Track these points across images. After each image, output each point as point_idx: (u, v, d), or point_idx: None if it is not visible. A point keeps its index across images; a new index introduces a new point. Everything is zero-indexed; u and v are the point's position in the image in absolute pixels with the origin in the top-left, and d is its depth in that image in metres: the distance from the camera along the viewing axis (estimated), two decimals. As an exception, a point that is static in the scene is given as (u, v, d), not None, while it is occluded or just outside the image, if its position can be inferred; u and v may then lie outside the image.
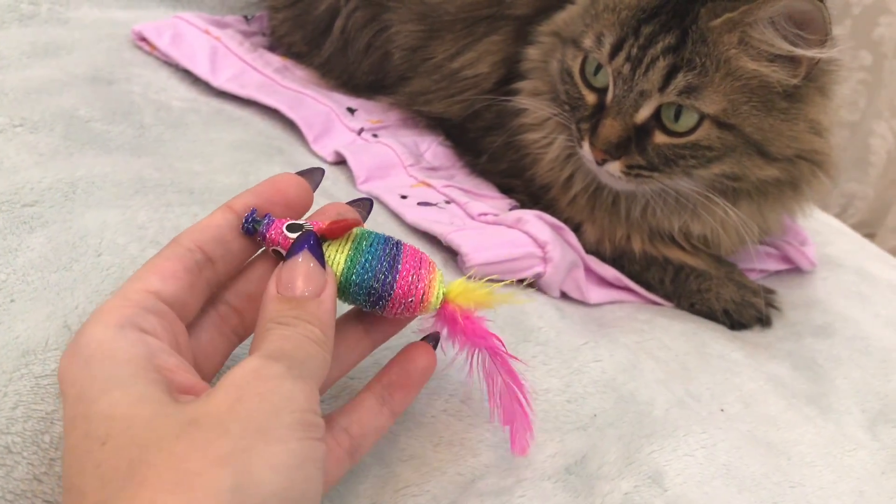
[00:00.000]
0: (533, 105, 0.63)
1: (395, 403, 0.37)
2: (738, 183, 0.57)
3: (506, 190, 0.68)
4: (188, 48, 0.74)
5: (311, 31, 0.79)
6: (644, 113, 0.55)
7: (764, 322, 0.64)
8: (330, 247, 0.35)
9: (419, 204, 0.62)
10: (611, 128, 0.55)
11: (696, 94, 0.52)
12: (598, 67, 0.56)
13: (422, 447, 0.41)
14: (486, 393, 0.39)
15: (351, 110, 0.75)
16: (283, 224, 0.35)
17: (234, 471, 0.25)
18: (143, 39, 0.74)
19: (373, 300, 0.35)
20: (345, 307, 0.37)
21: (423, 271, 0.36)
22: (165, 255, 0.33)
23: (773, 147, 0.55)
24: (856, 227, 1.08)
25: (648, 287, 0.64)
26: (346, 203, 0.39)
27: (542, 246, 0.57)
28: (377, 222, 0.58)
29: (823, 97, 0.56)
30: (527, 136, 0.64)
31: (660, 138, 0.55)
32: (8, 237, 0.44)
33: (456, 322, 0.37)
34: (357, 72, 0.77)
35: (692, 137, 0.54)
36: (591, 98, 0.58)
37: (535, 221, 0.59)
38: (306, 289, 0.32)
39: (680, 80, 0.52)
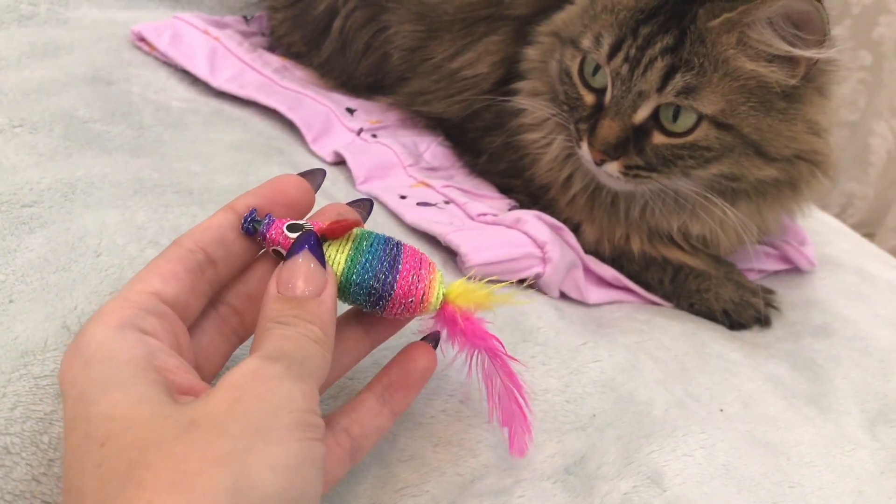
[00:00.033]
0: (532, 105, 0.63)
1: (395, 403, 0.37)
2: (736, 183, 0.57)
3: (505, 190, 0.68)
4: (187, 48, 0.74)
5: (311, 32, 0.79)
6: (642, 113, 0.55)
7: (763, 322, 0.64)
8: (330, 247, 0.35)
9: (418, 204, 0.62)
10: (609, 128, 0.55)
11: (694, 94, 0.52)
12: (597, 68, 0.56)
13: (421, 447, 0.41)
14: (485, 394, 0.39)
15: (350, 110, 0.75)
16: (283, 224, 0.35)
17: (233, 471, 0.25)
18: (143, 40, 0.74)
19: (373, 300, 0.35)
20: (344, 308, 0.37)
21: (423, 272, 0.36)
22: (167, 257, 0.33)
23: (771, 147, 0.55)
24: (855, 226, 1.08)
25: (648, 287, 0.64)
26: (347, 203, 0.39)
27: (541, 246, 0.57)
28: (376, 222, 0.58)
29: (822, 97, 0.56)
30: (526, 137, 0.64)
31: (658, 139, 0.55)
32: (7, 238, 0.44)
33: (455, 323, 0.37)
34: (356, 72, 0.77)
35: (690, 138, 0.54)
36: (589, 98, 0.58)
37: (534, 221, 0.59)
38: (307, 288, 0.32)
39: (678, 81, 0.52)
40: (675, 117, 0.54)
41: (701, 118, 0.54)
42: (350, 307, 0.38)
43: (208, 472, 0.25)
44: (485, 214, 0.62)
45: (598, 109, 0.57)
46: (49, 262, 0.43)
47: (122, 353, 0.29)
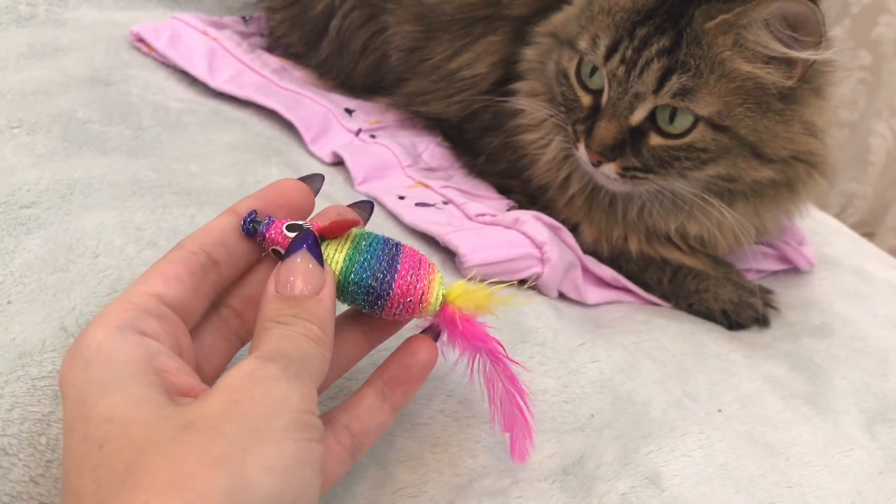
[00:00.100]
0: (530, 106, 0.63)
1: (396, 399, 0.36)
2: (733, 184, 0.57)
3: (504, 190, 0.68)
4: (186, 49, 0.74)
5: (309, 32, 0.79)
6: (639, 115, 0.55)
7: (762, 322, 0.64)
8: (329, 246, 0.35)
9: (417, 205, 0.62)
10: (606, 130, 0.55)
11: (690, 96, 0.52)
12: (594, 69, 0.56)
13: (419, 448, 0.41)
14: (487, 398, 0.39)
15: (349, 111, 0.75)
16: (282, 224, 0.35)
17: (229, 473, 0.25)
18: (141, 40, 0.74)
19: (371, 299, 0.35)
20: (343, 308, 0.37)
21: (422, 272, 0.36)
22: (169, 259, 0.33)
23: (767, 148, 0.55)
24: (855, 226, 1.08)
25: (646, 287, 0.64)
26: (347, 206, 0.39)
27: (539, 246, 0.57)
28: (375, 223, 0.58)
29: (819, 98, 0.56)
30: (524, 137, 0.64)
31: (655, 140, 0.55)
32: (5, 239, 0.44)
33: (455, 324, 0.36)
34: (354, 73, 0.77)
35: (687, 139, 0.54)
36: (586, 100, 0.58)
37: (532, 222, 0.59)
38: (305, 287, 0.32)
39: (674, 83, 0.52)
40: (672, 119, 0.54)
41: (697, 120, 0.54)
42: (349, 308, 0.38)
43: (205, 473, 0.25)
44: (483, 215, 0.62)
45: (595, 111, 0.57)
46: (47, 263, 0.43)
47: (122, 354, 0.29)
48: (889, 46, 1.41)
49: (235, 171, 0.58)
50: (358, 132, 0.72)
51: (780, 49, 0.51)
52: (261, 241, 0.35)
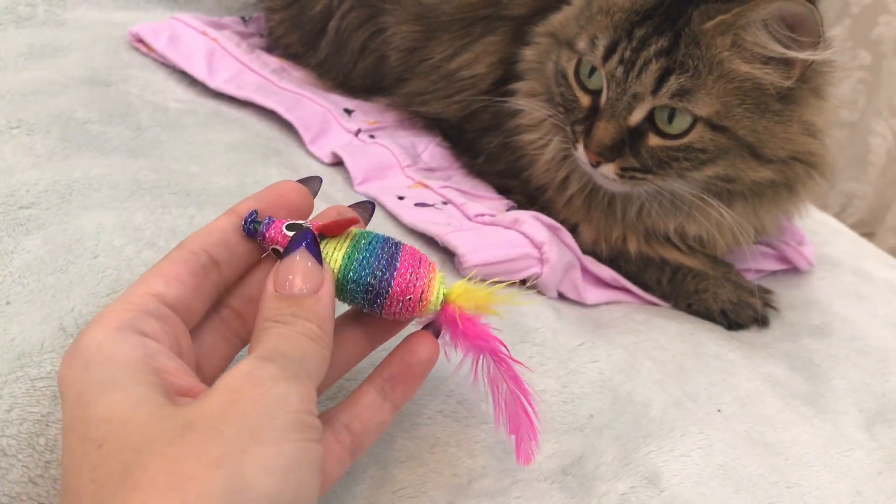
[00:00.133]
0: (529, 106, 0.63)
1: (396, 397, 0.36)
2: (732, 185, 0.57)
3: (503, 191, 0.68)
4: (185, 49, 0.74)
5: (308, 32, 0.79)
6: (637, 115, 0.55)
7: (761, 322, 0.64)
8: (328, 245, 0.35)
9: (416, 205, 0.62)
10: (604, 130, 0.55)
11: (688, 96, 0.52)
12: (593, 70, 0.56)
13: (418, 449, 0.41)
14: (492, 401, 0.38)
15: (348, 111, 0.75)
16: (282, 224, 0.35)
17: (228, 473, 0.25)
18: (141, 41, 0.74)
19: (370, 297, 0.35)
20: (344, 308, 0.37)
21: (421, 270, 0.35)
22: (170, 259, 0.33)
23: (766, 149, 0.55)
24: (855, 226, 1.08)
25: (646, 287, 0.64)
26: (349, 206, 0.39)
27: (538, 246, 0.57)
28: (374, 223, 0.58)
29: (817, 98, 0.56)
30: (523, 137, 0.64)
31: (653, 140, 0.55)
32: (4, 239, 0.44)
33: (457, 323, 0.36)
34: (353, 73, 0.78)
35: (685, 140, 0.54)
36: (585, 100, 0.58)
37: (531, 222, 0.59)
38: (304, 286, 0.32)
39: (672, 83, 0.52)
40: (671, 119, 0.54)
41: (696, 120, 0.54)
42: (350, 309, 0.38)
43: (203, 474, 0.25)
44: (482, 215, 0.62)
45: (594, 111, 0.57)
46: (46, 263, 0.43)
47: (121, 354, 0.29)
48: (889, 46, 1.41)
49: (235, 171, 0.58)
50: (357, 132, 0.72)
51: (778, 49, 0.51)
52: (261, 240, 0.35)
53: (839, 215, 1.52)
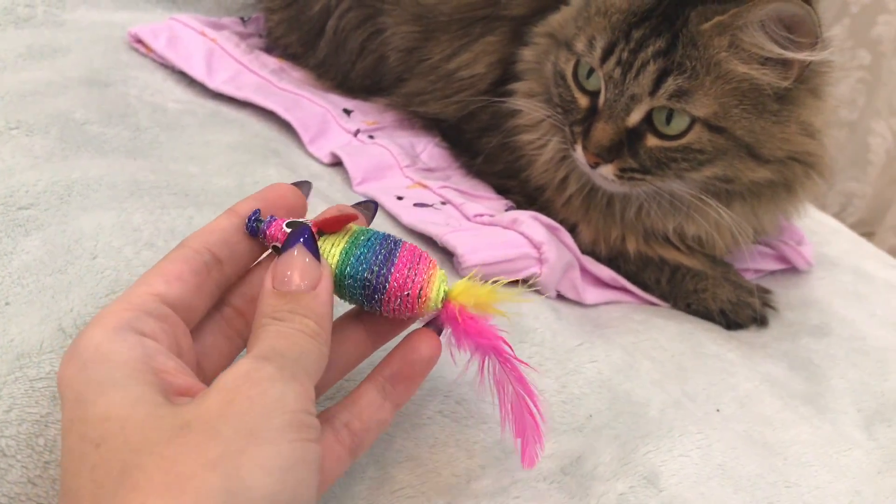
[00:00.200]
0: (527, 107, 0.63)
1: (397, 396, 0.36)
2: (730, 185, 0.57)
3: (502, 191, 0.68)
4: (184, 50, 0.74)
5: (306, 33, 0.79)
6: (635, 116, 0.55)
7: (760, 322, 0.64)
8: (326, 241, 0.35)
9: (415, 205, 0.62)
10: (603, 131, 0.55)
11: (686, 97, 0.53)
12: (591, 71, 0.56)
13: (417, 449, 0.41)
14: (497, 402, 0.38)
15: (347, 112, 0.75)
16: (283, 222, 0.35)
17: (225, 474, 0.25)
18: (140, 41, 0.74)
19: (368, 293, 0.34)
20: (345, 308, 0.37)
21: (420, 266, 0.35)
22: (172, 258, 0.33)
23: (764, 149, 0.55)
24: (855, 226, 1.08)
25: (645, 287, 0.64)
26: (351, 206, 0.39)
27: (537, 247, 0.57)
28: (373, 223, 0.58)
29: (816, 99, 0.56)
30: (522, 138, 0.64)
31: (651, 141, 0.55)
32: (3, 240, 0.44)
33: (458, 321, 0.35)
34: (351, 73, 0.78)
35: (683, 140, 0.54)
36: (583, 101, 0.58)
37: (530, 222, 0.59)
38: (301, 282, 0.32)
39: (670, 84, 0.52)
40: (669, 120, 0.54)
41: (694, 121, 0.54)
42: (352, 308, 0.38)
43: (200, 474, 0.25)
44: (481, 215, 0.62)
45: (593, 112, 0.57)
46: (45, 264, 0.43)
47: (120, 354, 0.29)
48: (888, 46, 1.41)
49: (234, 171, 0.58)
50: (356, 133, 0.72)
51: (775, 50, 0.51)
52: (263, 238, 0.35)
53: (839, 215, 1.52)
